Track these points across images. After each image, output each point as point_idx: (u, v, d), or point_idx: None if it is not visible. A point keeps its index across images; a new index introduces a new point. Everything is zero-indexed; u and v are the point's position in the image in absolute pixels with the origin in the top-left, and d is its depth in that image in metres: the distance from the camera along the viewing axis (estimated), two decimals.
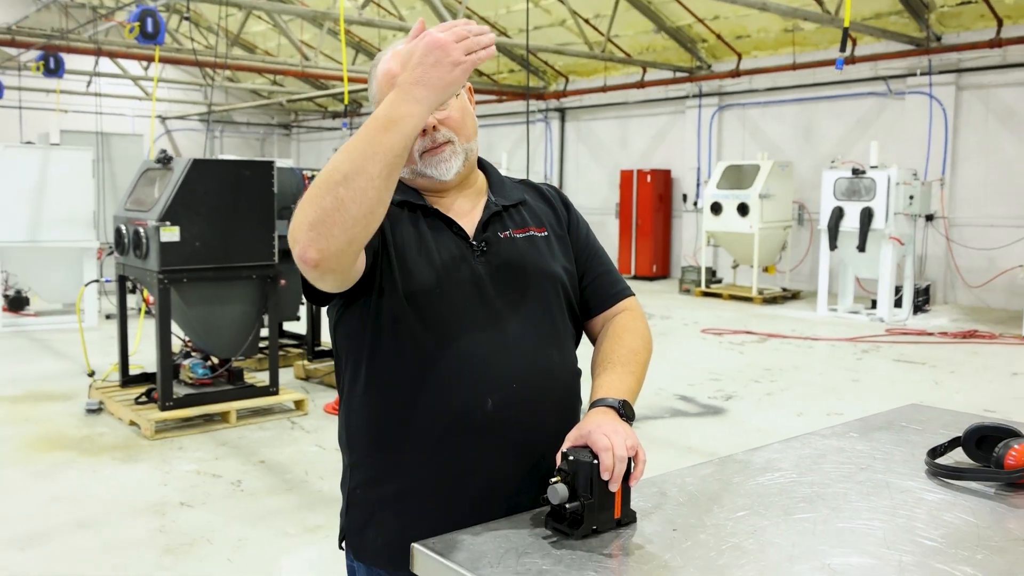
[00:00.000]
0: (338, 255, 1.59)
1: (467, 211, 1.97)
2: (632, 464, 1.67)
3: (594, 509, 1.63)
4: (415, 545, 1.61)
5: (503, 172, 2.13)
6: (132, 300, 9.65)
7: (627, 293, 2.11)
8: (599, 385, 1.89)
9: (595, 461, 1.64)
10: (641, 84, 17.44)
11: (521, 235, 1.98)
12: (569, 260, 2.04)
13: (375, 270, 1.82)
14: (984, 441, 2.03)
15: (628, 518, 1.69)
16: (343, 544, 2.01)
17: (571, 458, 1.65)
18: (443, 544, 1.60)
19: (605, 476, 1.63)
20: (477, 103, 2.02)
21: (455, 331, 1.84)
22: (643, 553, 1.59)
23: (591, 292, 2.07)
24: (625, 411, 1.80)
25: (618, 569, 1.55)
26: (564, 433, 1.74)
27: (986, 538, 1.64)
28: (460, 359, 1.83)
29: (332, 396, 7.57)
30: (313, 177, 8.45)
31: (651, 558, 1.57)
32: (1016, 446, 1.92)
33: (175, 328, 6.90)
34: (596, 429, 1.69)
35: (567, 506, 1.62)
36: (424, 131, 1.85)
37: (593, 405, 1.83)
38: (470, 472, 1.85)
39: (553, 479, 1.64)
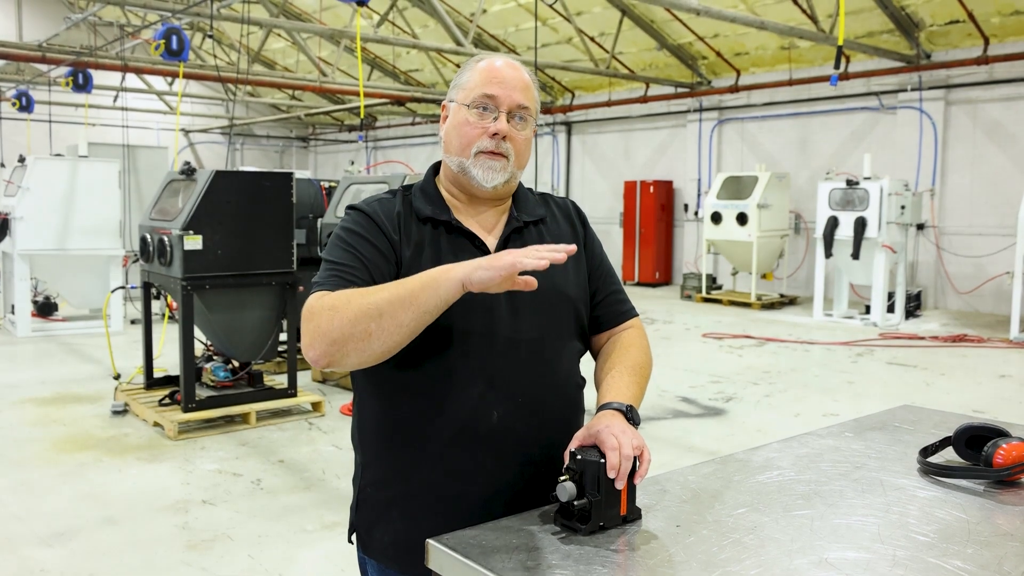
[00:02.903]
0: (344, 369, 1.78)
1: (491, 225, 1.99)
2: (637, 463, 1.69)
3: (601, 506, 1.65)
4: (430, 541, 1.63)
5: None
6: (156, 306, 9.68)
7: (633, 313, 2.15)
8: (606, 390, 1.92)
9: (602, 460, 1.66)
10: (644, 99, 17.53)
11: None
12: (582, 278, 2.05)
13: None
14: (974, 440, 2.05)
15: (634, 515, 1.71)
16: (352, 538, 2.06)
17: (579, 457, 1.67)
18: (456, 540, 1.62)
19: (611, 474, 1.64)
20: None
21: (466, 345, 1.85)
22: (648, 548, 1.60)
23: (601, 310, 2.09)
24: (631, 415, 1.83)
25: (624, 564, 1.56)
26: (565, 444, 1.76)
27: (976, 533, 1.65)
28: (469, 373, 1.85)
29: (348, 398, 7.47)
30: (331, 189, 8.87)
31: (655, 553, 1.58)
32: (1004, 445, 1.94)
33: (198, 333, 6.93)
34: (604, 429, 1.71)
35: (575, 503, 1.64)
36: (495, 133, 1.90)
37: (601, 408, 1.85)
38: (474, 479, 1.87)
39: (562, 477, 1.67)
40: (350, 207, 2.00)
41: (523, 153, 1.96)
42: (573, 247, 1.65)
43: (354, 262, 1.85)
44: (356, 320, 1.68)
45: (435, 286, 1.67)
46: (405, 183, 2.09)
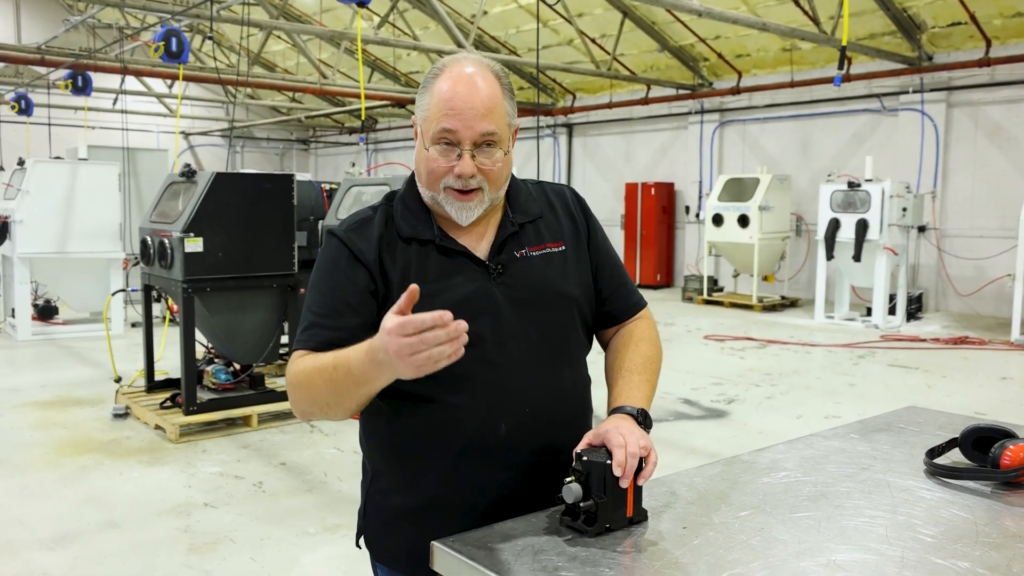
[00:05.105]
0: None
1: (482, 232, 1.92)
2: (643, 463, 1.69)
3: (607, 508, 1.65)
4: (435, 543, 1.63)
5: None
6: (157, 309, 9.60)
7: (642, 304, 2.10)
8: (617, 393, 1.91)
9: (608, 461, 1.65)
10: (645, 101, 17.51)
11: (537, 252, 1.93)
12: (585, 273, 2.00)
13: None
14: (980, 442, 2.04)
15: (640, 516, 1.71)
16: (359, 543, 2.03)
17: (585, 458, 1.67)
18: (462, 543, 1.63)
19: (617, 472, 1.64)
20: None
21: (470, 357, 1.71)
22: (655, 550, 1.61)
23: (610, 304, 2.04)
24: (643, 419, 1.82)
25: (631, 566, 1.56)
26: (574, 447, 1.74)
27: (983, 535, 1.66)
28: (474, 386, 1.82)
29: None
30: (332, 191, 8.85)
31: (662, 555, 1.58)
32: (1011, 446, 1.94)
33: (199, 335, 6.96)
34: (613, 429, 1.70)
35: (581, 505, 1.64)
36: (460, 174, 1.81)
37: (612, 412, 1.85)
38: (484, 489, 1.85)
39: (568, 479, 1.66)
40: (329, 231, 1.95)
41: (498, 177, 1.85)
42: (464, 325, 1.54)
43: (329, 312, 1.85)
44: (312, 401, 1.80)
45: (369, 385, 1.68)
46: (397, 194, 2.02)
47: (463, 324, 1.52)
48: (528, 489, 1.86)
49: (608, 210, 18.67)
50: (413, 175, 1.99)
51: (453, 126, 1.79)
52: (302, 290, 7.15)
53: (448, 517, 1.82)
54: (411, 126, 1.94)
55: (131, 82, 17.39)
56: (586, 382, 2.02)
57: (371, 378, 1.65)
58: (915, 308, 13.00)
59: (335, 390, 1.72)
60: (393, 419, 1.89)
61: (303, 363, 1.80)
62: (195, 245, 6.50)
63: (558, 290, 1.93)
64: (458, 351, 1.53)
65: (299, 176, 8.66)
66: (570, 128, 19.93)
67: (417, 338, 1.50)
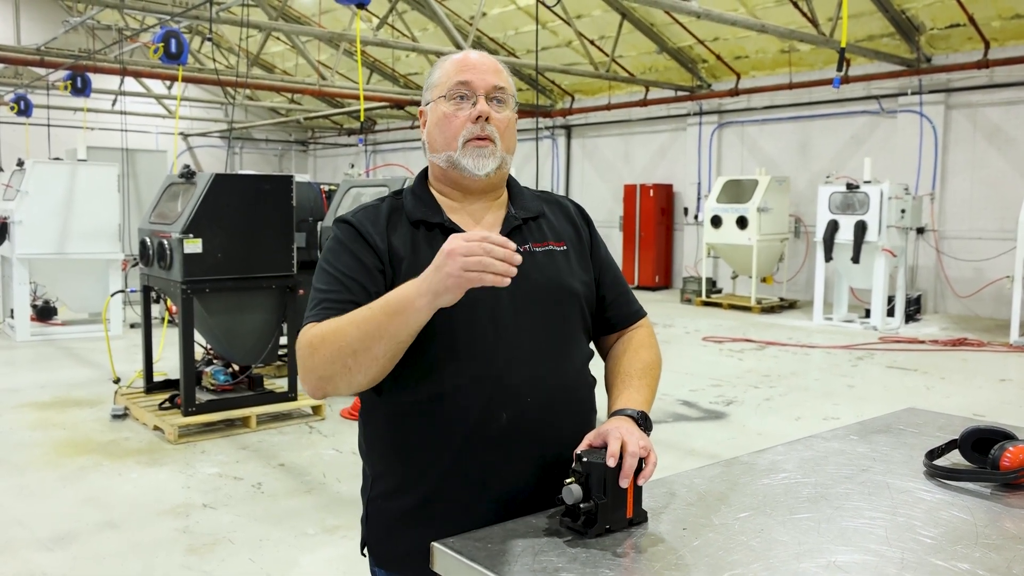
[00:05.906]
0: (341, 395, 1.82)
1: (486, 223, 1.95)
2: (643, 464, 1.70)
3: (607, 509, 1.65)
4: (435, 544, 1.63)
5: None
6: (156, 309, 9.58)
7: (642, 313, 2.14)
8: (617, 396, 1.93)
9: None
10: (644, 102, 17.49)
11: (541, 249, 1.95)
12: (588, 275, 2.03)
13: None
14: (980, 443, 2.05)
15: (640, 518, 1.71)
16: (364, 551, 2.02)
17: (585, 459, 1.67)
18: (462, 543, 1.62)
19: (611, 462, 1.64)
20: None
21: (471, 347, 1.83)
22: (655, 551, 1.61)
23: (612, 311, 2.08)
24: (643, 421, 1.84)
25: (631, 567, 1.56)
26: (577, 443, 1.75)
27: (983, 536, 1.66)
28: (475, 374, 1.82)
29: (348, 402, 7.57)
30: (331, 192, 8.87)
31: (662, 556, 1.58)
32: (1011, 448, 1.94)
33: (198, 336, 6.95)
34: (614, 430, 1.72)
35: (581, 506, 1.64)
36: (476, 118, 1.88)
37: (612, 415, 1.87)
38: (488, 483, 1.85)
39: (568, 480, 1.66)
40: (338, 219, 1.98)
41: (508, 136, 1.94)
42: (518, 258, 1.62)
43: (338, 287, 1.85)
44: (333, 359, 1.73)
45: (404, 315, 1.67)
46: (405, 187, 2.07)
47: (518, 257, 1.61)
48: (532, 482, 1.86)
49: (607, 212, 18.66)
50: (420, 173, 2.06)
51: (468, 78, 1.90)
52: (301, 291, 7.16)
53: (453, 514, 1.82)
54: (411, 127, 1.95)
55: (130, 83, 17.40)
56: (589, 379, 2.02)
57: (409, 302, 1.66)
58: (914, 310, 13.01)
59: (365, 331, 1.70)
60: (393, 417, 1.89)
61: (323, 324, 1.79)
62: (194, 246, 6.50)
63: (561, 285, 1.95)
64: (503, 280, 1.59)
65: (298, 177, 8.64)
66: (569, 130, 19.90)
67: (477, 244, 1.58)
